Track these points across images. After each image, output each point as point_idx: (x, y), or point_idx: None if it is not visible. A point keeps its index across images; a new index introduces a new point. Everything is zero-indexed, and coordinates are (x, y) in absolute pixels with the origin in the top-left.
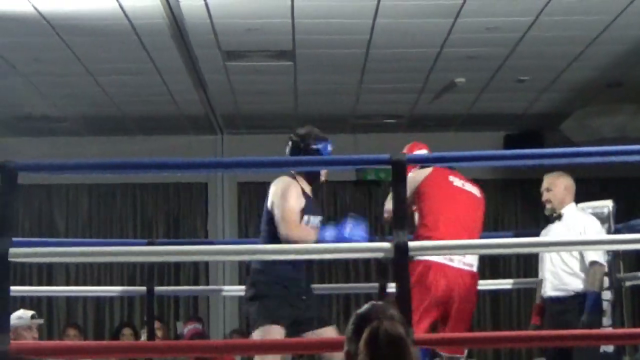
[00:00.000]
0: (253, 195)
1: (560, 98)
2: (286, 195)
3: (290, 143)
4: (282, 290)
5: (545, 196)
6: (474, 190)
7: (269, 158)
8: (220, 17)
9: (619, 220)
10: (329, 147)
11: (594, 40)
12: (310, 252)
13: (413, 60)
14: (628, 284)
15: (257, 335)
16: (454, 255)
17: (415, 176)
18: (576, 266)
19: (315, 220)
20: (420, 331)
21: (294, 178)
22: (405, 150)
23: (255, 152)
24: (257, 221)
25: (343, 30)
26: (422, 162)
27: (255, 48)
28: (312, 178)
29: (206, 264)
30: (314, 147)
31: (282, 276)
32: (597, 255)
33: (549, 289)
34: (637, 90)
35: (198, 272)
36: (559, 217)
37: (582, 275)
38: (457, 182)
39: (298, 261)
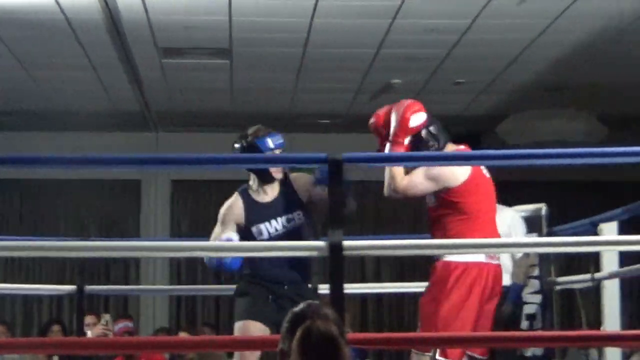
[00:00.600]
0: (187, 194)
1: (497, 101)
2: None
3: (236, 144)
4: (259, 289)
5: None
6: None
7: (204, 155)
8: (158, 14)
9: (552, 224)
10: (269, 143)
11: (531, 44)
12: (244, 250)
13: (350, 60)
14: (558, 287)
15: (235, 333)
16: None
17: (458, 170)
18: (507, 261)
19: (271, 227)
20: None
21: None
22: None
23: (190, 150)
24: (190, 219)
25: (280, 29)
26: (361, 162)
27: (192, 45)
28: (261, 177)
29: (137, 262)
30: (254, 143)
31: (260, 275)
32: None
33: None
34: (575, 94)
35: (129, 270)
36: None
37: (510, 269)
38: (484, 169)
39: (278, 260)
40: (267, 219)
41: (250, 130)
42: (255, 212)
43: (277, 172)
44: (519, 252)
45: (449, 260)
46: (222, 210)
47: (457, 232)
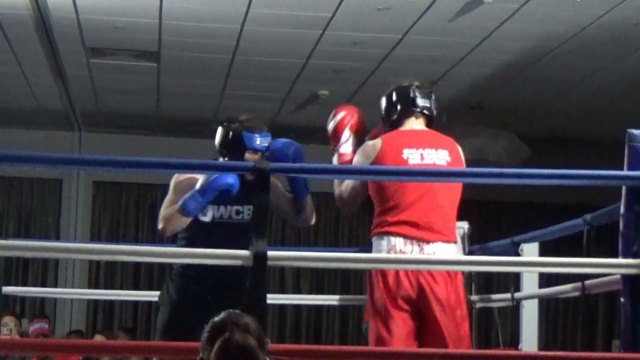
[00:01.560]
0: (108, 194)
1: None
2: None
3: (219, 128)
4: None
5: None
6: (440, 158)
7: (128, 157)
8: (87, 13)
9: (473, 242)
10: (256, 141)
11: (458, 62)
12: (161, 255)
13: (278, 69)
14: (478, 305)
15: None
16: None
17: (365, 152)
18: None
19: (218, 211)
20: None
21: None
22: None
23: (113, 151)
24: (110, 221)
25: (210, 35)
26: (288, 172)
27: (120, 47)
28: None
29: (56, 263)
30: (241, 135)
31: (178, 284)
32: None
33: None
34: (497, 114)
35: (47, 270)
36: None
37: None
38: (414, 155)
39: (198, 268)
40: (217, 202)
41: (243, 117)
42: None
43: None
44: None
45: None
46: (179, 177)
47: (376, 224)
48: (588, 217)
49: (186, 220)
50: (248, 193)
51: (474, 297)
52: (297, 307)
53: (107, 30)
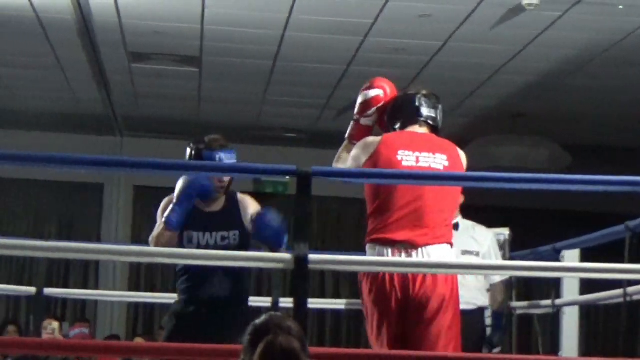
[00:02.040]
0: (149, 200)
1: (462, 124)
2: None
3: (187, 149)
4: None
5: None
6: (437, 162)
7: (167, 160)
8: (129, 18)
9: (514, 249)
10: (218, 159)
11: (499, 70)
12: (206, 258)
13: (319, 75)
14: (519, 312)
15: None
16: None
17: (364, 147)
18: (483, 282)
19: (204, 238)
20: None
21: None
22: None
23: (154, 156)
24: (151, 226)
25: (252, 41)
26: (330, 176)
27: (162, 51)
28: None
29: (97, 266)
30: (201, 154)
31: (196, 297)
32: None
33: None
34: (539, 121)
35: (88, 274)
36: (455, 226)
37: (485, 291)
38: (409, 158)
39: (214, 278)
40: (203, 229)
41: (207, 139)
42: (193, 218)
43: (219, 184)
44: (495, 276)
45: None
46: (165, 202)
47: (370, 229)
48: (630, 224)
49: (173, 236)
50: (232, 218)
51: (514, 304)
52: (337, 312)
53: (149, 35)
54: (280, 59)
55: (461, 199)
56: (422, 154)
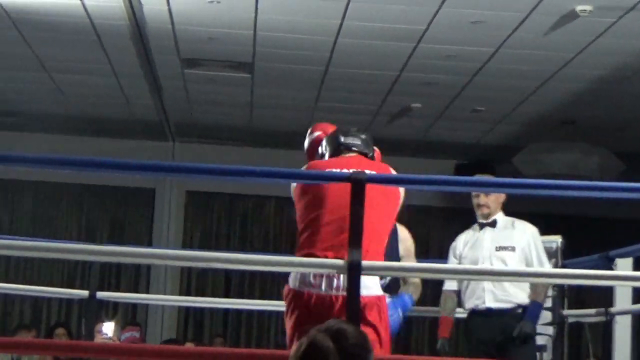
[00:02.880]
0: (200, 204)
1: (514, 131)
2: None
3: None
4: None
5: (483, 200)
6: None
7: (219, 166)
8: (182, 24)
9: (567, 257)
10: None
11: (552, 77)
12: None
13: (371, 82)
14: (571, 320)
15: None
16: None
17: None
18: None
19: None
20: None
21: None
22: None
23: (205, 162)
24: (202, 230)
25: (304, 47)
26: (383, 182)
27: (214, 57)
28: None
29: (148, 270)
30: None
31: None
32: (548, 267)
33: (490, 300)
34: (590, 129)
35: (139, 278)
36: (493, 223)
37: (526, 286)
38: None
39: None
40: None
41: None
42: None
43: None
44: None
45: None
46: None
47: (300, 245)
48: None
49: None
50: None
51: (566, 312)
52: None
53: (202, 42)
54: (333, 65)
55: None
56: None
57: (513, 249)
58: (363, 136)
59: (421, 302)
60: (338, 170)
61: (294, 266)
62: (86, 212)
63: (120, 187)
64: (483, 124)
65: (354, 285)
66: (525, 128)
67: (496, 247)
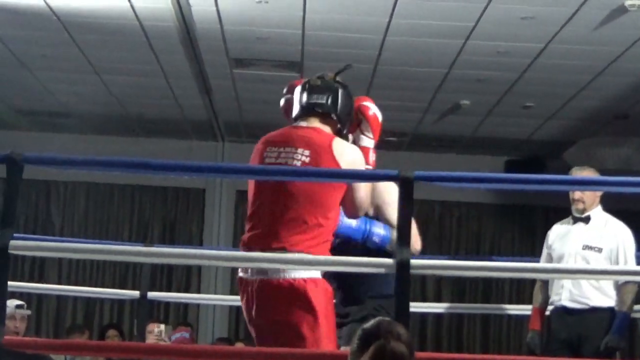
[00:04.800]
0: None
1: (564, 126)
2: None
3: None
4: None
5: (577, 194)
6: (298, 157)
7: (268, 167)
8: (231, 24)
9: None
10: None
11: (602, 71)
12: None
13: (420, 79)
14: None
15: None
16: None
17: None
18: (604, 281)
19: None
20: None
21: None
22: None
23: None
24: None
25: (353, 45)
26: (433, 180)
27: (263, 57)
28: None
29: (199, 270)
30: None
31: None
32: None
33: (565, 298)
34: None
35: (190, 278)
36: (586, 219)
37: (609, 291)
38: (272, 154)
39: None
40: None
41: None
42: None
43: None
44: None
45: None
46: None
47: None
48: None
49: None
50: None
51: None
52: (438, 316)
53: (251, 41)
54: (381, 63)
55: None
56: (285, 149)
57: (600, 250)
58: (337, 87)
59: (472, 300)
60: (275, 149)
61: (343, 265)
62: (138, 213)
63: (171, 187)
64: (533, 119)
65: (402, 285)
66: (577, 123)
67: (583, 246)
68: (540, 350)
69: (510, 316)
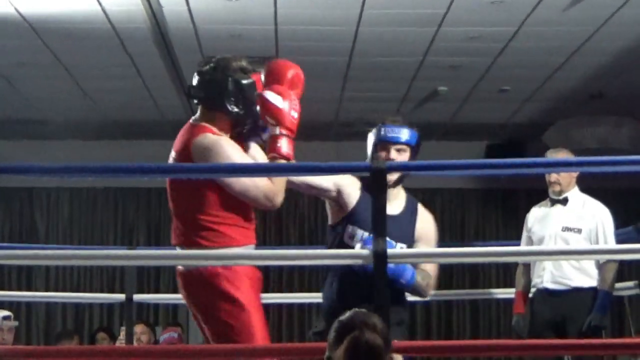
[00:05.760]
0: None
1: (542, 108)
2: None
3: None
4: None
5: (554, 177)
6: (171, 158)
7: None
8: (203, 23)
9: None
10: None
11: (576, 51)
12: (286, 258)
13: (396, 68)
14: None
15: None
16: None
17: None
18: (585, 261)
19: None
20: None
21: None
22: None
23: None
24: None
25: (326, 38)
26: (403, 170)
27: (238, 54)
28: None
29: None
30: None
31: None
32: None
33: (547, 280)
34: (619, 101)
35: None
36: (564, 201)
37: (589, 271)
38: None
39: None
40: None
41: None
42: (368, 215)
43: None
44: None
45: None
46: (341, 180)
47: None
48: None
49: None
50: (407, 228)
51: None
52: (426, 303)
53: (225, 39)
54: (356, 55)
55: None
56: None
57: (579, 231)
58: (206, 68)
59: (460, 286)
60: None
61: (318, 258)
62: (122, 215)
63: (155, 188)
64: (511, 103)
65: (380, 275)
66: (554, 104)
67: (562, 227)
68: (526, 333)
69: (498, 301)
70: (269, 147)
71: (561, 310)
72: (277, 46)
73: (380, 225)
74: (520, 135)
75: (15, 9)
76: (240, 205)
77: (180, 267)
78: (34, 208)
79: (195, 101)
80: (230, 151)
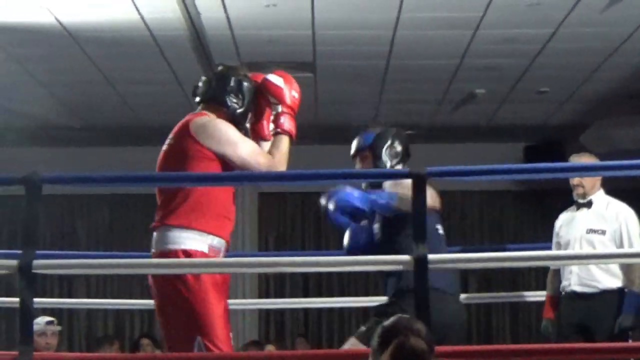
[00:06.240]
0: (273, 205)
1: (580, 109)
2: None
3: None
4: None
5: (576, 180)
6: (165, 145)
7: (292, 172)
8: (241, 29)
9: None
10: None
11: (614, 52)
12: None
13: (433, 71)
14: None
15: None
16: None
17: None
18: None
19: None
20: None
21: None
22: None
23: None
24: (277, 231)
25: (364, 42)
26: (444, 175)
27: (275, 59)
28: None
29: None
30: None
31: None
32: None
33: (575, 283)
34: None
35: None
36: (589, 204)
37: (617, 272)
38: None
39: None
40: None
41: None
42: None
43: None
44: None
45: None
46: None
47: None
48: None
49: None
50: None
51: None
52: (466, 307)
53: (262, 44)
54: (393, 58)
55: None
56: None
57: (603, 232)
58: (215, 78)
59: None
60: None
61: (360, 265)
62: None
63: None
64: (549, 104)
65: (421, 280)
66: (592, 106)
67: (587, 230)
68: (554, 339)
69: (538, 303)
70: (273, 124)
71: (589, 313)
72: (315, 51)
73: (420, 230)
74: (558, 136)
75: (56, 18)
76: (225, 193)
77: (154, 250)
78: (74, 216)
79: (197, 100)
80: (227, 127)
